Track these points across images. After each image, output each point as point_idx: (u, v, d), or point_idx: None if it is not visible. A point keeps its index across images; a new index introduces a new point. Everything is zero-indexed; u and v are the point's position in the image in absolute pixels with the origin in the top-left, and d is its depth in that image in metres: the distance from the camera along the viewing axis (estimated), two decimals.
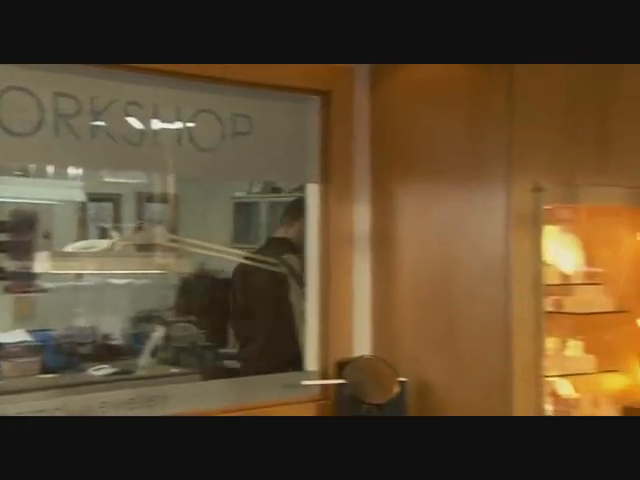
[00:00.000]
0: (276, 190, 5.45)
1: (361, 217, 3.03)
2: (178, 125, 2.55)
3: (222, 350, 4.45)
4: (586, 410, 2.98)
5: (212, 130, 2.63)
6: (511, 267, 2.69)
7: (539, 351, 2.74)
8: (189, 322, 4.78)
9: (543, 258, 3.13)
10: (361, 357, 2.92)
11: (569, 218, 3.25)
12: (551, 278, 3.12)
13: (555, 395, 3.08)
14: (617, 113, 2.88)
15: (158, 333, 4.35)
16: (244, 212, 5.71)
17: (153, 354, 4.25)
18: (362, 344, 3.00)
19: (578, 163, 2.81)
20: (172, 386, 2.90)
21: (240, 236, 5.68)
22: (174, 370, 4.08)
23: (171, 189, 4.46)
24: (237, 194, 5.79)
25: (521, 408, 2.65)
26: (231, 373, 3.86)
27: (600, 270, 3.17)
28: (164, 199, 5.05)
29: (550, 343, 3.21)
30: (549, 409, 2.99)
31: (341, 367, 2.85)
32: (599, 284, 3.14)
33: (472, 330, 2.77)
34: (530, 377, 2.69)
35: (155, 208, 5.32)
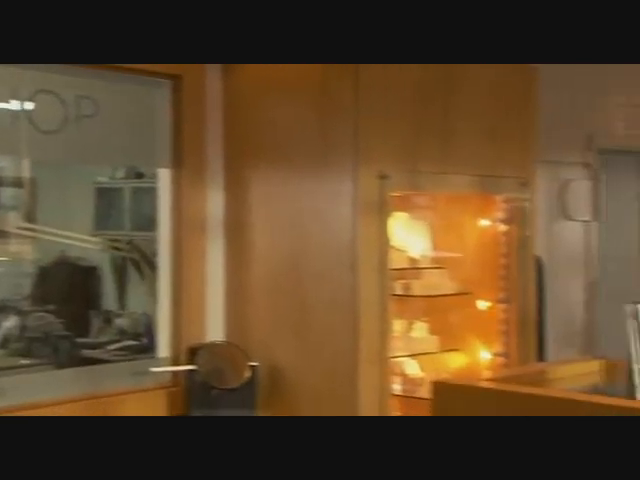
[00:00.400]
0: (140, 175, 5.33)
1: (214, 203, 3.03)
2: (15, 105, 2.44)
3: (80, 339, 4.31)
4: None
5: (54, 112, 2.54)
6: (358, 252, 2.79)
7: (384, 333, 2.85)
8: (46, 311, 4.59)
9: (391, 243, 3.27)
10: (212, 343, 2.93)
11: (417, 205, 3.40)
12: (400, 262, 3.26)
13: (403, 374, 3.23)
14: (459, 105, 3.03)
15: (9, 323, 4.15)
16: (106, 198, 5.54)
17: (3, 345, 4.06)
18: (215, 329, 3.01)
19: (422, 152, 2.94)
20: (14, 377, 2.79)
21: (102, 222, 5.50)
22: (24, 361, 3.92)
23: (27, 173, 4.26)
24: (99, 179, 5.61)
25: (367, 389, 2.76)
26: (86, 362, 3.75)
27: (446, 254, 3.34)
28: (19, 183, 4.81)
29: (398, 325, 3.36)
30: (397, 388, 3.13)
31: (193, 353, 2.85)
32: (444, 268, 3.31)
33: (321, 314, 2.84)
34: (375, 358, 2.80)
35: (8, 193, 5.05)
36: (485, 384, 1.57)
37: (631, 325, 1.44)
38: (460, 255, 3.34)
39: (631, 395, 1.43)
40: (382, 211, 2.86)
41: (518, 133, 3.22)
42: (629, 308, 1.45)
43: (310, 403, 2.83)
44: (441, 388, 1.56)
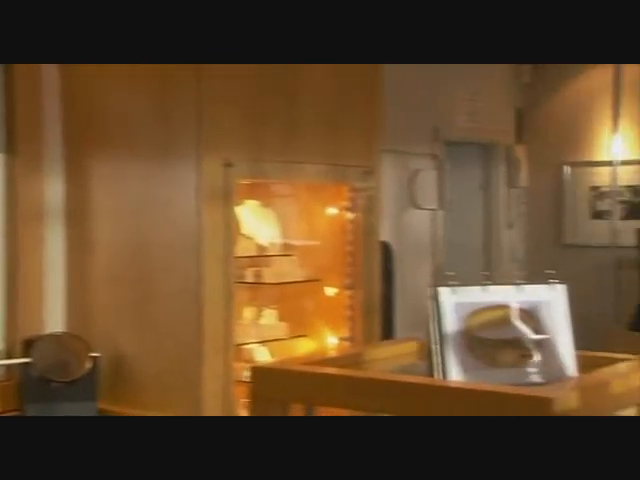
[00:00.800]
0: None
1: (53, 190, 2.93)
2: None
3: None
4: None
5: None
6: (203, 240, 2.78)
7: (229, 321, 2.86)
8: None
9: (241, 231, 3.29)
10: (50, 334, 2.83)
11: (268, 193, 3.43)
12: (250, 250, 3.28)
13: (252, 361, 3.25)
14: (303, 95, 3.08)
15: None
16: None
17: None
18: (55, 320, 2.91)
19: (267, 140, 2.97)
20: None
21: None
22: None
23: None
24: None
25: (211, 377, 2.76)
26: None
27: (296, 242, 3.40)
28: None
29: (248, 312, 3.39)
30: (247, 375, 3.15)
31: (28, 345, 2.74)
32: (294, 255, 3.37)
33: (165, 302, 2.82)
34: (220, 346, 2.81)
35: None
36: (299, 367, 1.61)
37: (431, 306, 1.53)
38: (310, 242, 3.41)
39: (431, 374, 1.52)
40: (228, 199, 2.86)
41: (363, 123, 3.30)
42: (430, 290, 1.53)
43: (154, 393, 2.81)
44: (259, 373, 1.59)
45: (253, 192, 3.42)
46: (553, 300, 1.56)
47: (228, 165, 2.83)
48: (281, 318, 3.36)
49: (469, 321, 1.51)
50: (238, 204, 3.29)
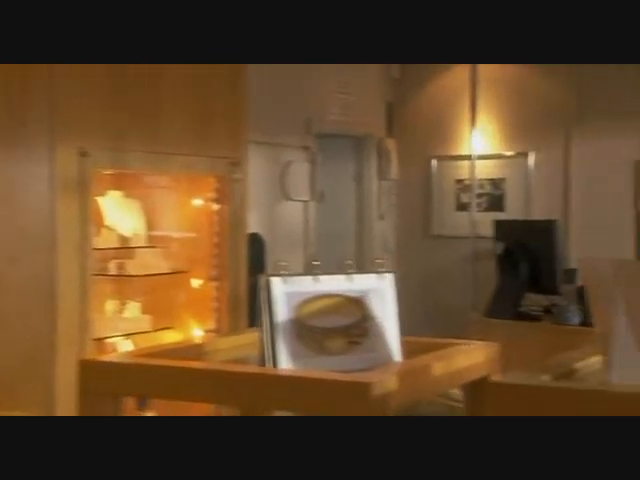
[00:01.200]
0: None
1: None
2: None
3: None
4: None
5: None
6: (56, 231, 2.69)
7: (85, 313, 2.79)
8: None
9: (105, 222, 3.21)
10: None
11: (133, 183, 3.37)
12: (113, 242, 3.21)
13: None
14: (165, 86, 3.03)
15: None
16: None
17: None
18: None
19: (128, 131, 2.90)
20: None
21: None
22: None
23: None
24: None
25: (65, 371, 2.68)
26: None
27: (160, 233, 3.35)
28: None
29: (111, 305, 3.32)
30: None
31: None
32: (157, 247, 3.32)
33: (15, 297, 2.71)
34: (75, 340, 2.73)
35: None
36: (128, 360, 1.59)
37: (262, 296, 1.54)
38: (175, 234, 3.37)
39: (263, 363, 1.54)
40: (84, 189, 2.79)
41: (228, 114, 3.29)
42: (262, 280, 1.55)
43: (3, 390, 2.69)
44: (87, 366, 1.56)
45: (118, 183, 3.34)
46: (382, 289, 1.61)
47: (83, 154, 2.75)
48: (146, 311, 3.31)
49: (299, 310, 1.53)
50: (100, 195, 3.21)
